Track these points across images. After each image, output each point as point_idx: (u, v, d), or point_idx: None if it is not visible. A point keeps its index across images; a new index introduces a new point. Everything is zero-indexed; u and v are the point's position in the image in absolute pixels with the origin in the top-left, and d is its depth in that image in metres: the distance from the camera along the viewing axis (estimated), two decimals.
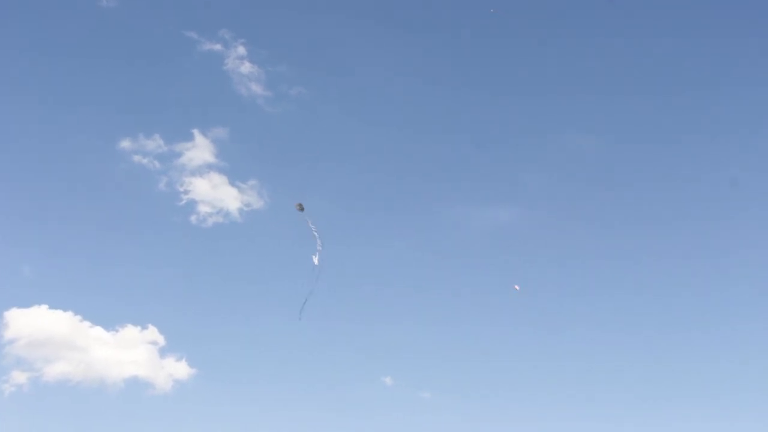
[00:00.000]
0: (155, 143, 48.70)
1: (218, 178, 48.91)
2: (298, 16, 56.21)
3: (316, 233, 18.77)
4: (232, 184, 49.00)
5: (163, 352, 42.33)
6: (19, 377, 39.27)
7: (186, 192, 47.84)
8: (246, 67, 51.08)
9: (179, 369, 42.06)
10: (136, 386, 41.24)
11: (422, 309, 48.92)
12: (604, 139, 55.04)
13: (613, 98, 56.94)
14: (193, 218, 47.69)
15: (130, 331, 42.32)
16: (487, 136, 56.31)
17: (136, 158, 48.39)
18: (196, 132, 49.48)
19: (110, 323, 42.46)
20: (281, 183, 51.39)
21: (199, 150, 49.13)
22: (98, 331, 41.97)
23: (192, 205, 47.86)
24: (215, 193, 48.16)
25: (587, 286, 49.96)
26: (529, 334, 47.01)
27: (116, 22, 52.75)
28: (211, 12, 55.10)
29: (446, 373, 45.05)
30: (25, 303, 41.49)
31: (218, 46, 51.30)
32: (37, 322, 40.74)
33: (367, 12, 58.25)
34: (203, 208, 47.57)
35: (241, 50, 51.12)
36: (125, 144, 48.70)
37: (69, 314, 41.56)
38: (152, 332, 42.34)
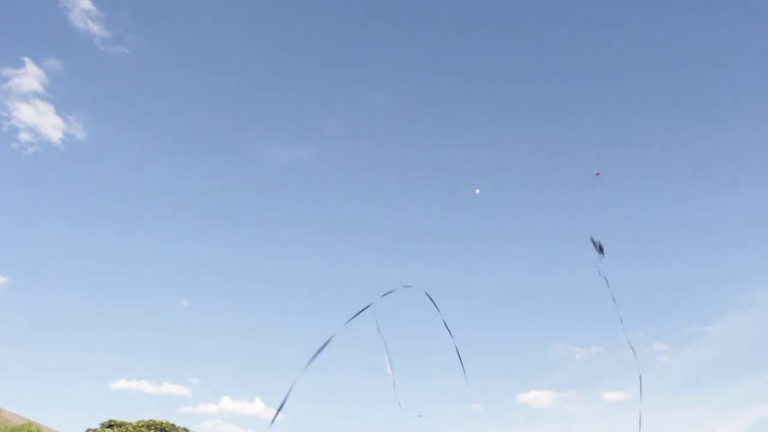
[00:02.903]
0: None
1: (44, 107, 50.51)
2: None
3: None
4: (58, 113, 50.98)
5: None
6: None
7: (8, 118, 49.23)
8: (86, 4, 51.95)
9: None
10: None
11: (222, 235, 54.92)
12: (397, 100, 63.26)
13: (408, 65, 63.46)
14: (14, 145, 49.47)
15: None
16: (293, 85, 63.33)
17: None
18: (27, 60, 50.35)
19: None
20: (106, 118, 54.37)
21: (29, 77, 50.19)
22: None
23: (14, 131, 49.48)
24: (39, 120, 50.00)
25: (366, 216, 57.19)
26: (314, 263, 54.95)
27: None
28: None
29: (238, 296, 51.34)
30: None
31: None
32: None
33: None
34: (24, 136, 49.43)
35: None
36: None
37: None
38: None
